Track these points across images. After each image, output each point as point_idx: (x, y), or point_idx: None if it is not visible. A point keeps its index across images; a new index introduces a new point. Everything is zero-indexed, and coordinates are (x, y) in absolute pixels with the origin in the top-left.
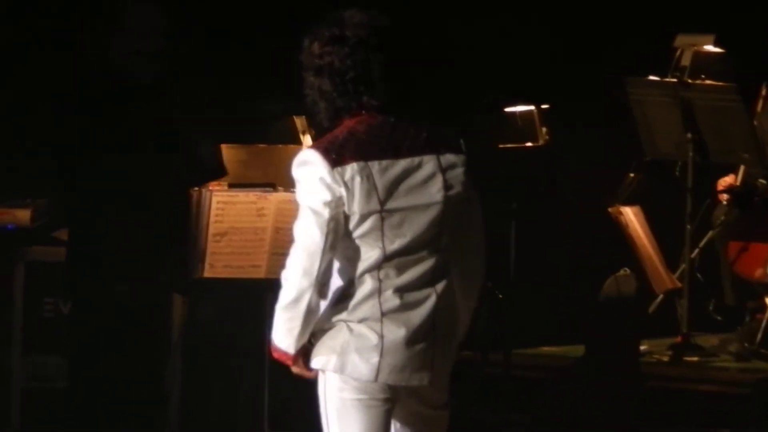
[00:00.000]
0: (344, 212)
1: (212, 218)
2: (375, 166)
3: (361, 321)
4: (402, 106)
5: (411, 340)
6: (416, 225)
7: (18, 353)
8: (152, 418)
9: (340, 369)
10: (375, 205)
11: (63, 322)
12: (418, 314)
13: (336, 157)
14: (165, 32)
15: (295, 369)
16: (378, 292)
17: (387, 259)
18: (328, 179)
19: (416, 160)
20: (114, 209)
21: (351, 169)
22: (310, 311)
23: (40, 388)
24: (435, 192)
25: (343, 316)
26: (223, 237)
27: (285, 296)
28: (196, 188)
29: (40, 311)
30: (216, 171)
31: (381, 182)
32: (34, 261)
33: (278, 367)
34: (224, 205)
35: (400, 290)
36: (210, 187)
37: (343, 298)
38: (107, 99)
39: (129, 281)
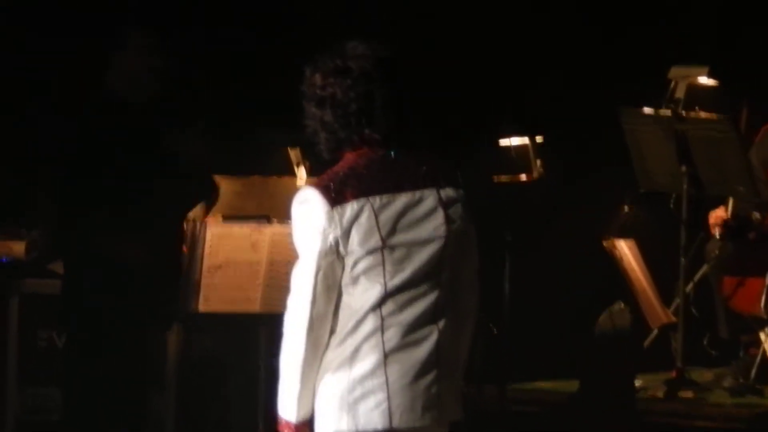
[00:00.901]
0: (339, 256)
1: (207, 251)
2: (376, 201)
3: (363, 362)
4: (401, 139)
5: (416, 378)
6: (417, 260)
7: (13, 385)
8: None
9: (354, 425)
10: (377, 241)
11: (58, 354)
12: (422, 351)
13: (335, 196)
14: (162, 52)
15: None
16: (380, 330)
17: (389, 295)
18: (324, 223)
19: (417, 194)
20: (109, 239)
21: (351, 207)
22: (307, 364)
23: (35, 420)
24: (437, 227)
25: (344, 359)
26: (218, 270)
27: (284, 354)
28: (191, 220)
29: (35, 343)
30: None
31: (382, 218)
32: (29, 293)
33: (273, 400)
34: (219, 239)
35: (403, 327)
36: (204, 220)
37: (342, 341)
38: (106, 122)
39: (124, 313)
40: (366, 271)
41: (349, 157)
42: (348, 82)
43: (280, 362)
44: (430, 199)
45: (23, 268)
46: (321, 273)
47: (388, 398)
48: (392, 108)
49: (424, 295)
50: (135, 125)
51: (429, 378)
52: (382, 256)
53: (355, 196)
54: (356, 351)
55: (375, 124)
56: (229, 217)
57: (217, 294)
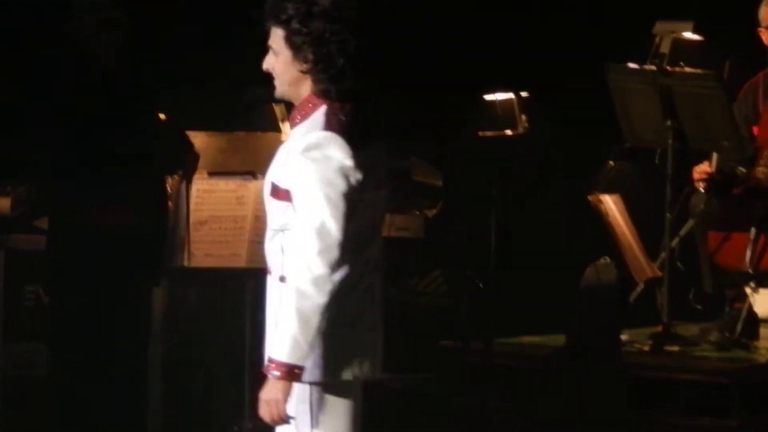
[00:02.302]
0: (355, 201)
1: (192, 207)
2: (373, 152)
3: (367, 314)
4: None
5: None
6: (381, 213)
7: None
8: (133, 405)
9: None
10: (376, 190)
11: (44, 311)
12: (379, 299)
13: (351, 142)
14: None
15: (282, 396)
16: (373, 274)
17: (376, 245)
18: (348, 165)
19: (375, 154)
20: (94, 197)
21: (362, 154)
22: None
23: (21, 375)
24: (385, 183)
25: (354, 312)
26: (204, 225)
27: (306, 299)
28: (175, 176)
29: (21, 299)
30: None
31: (376, 168)
32: (15, 249)
33: (259, 354)
34: (204, 194)
35: (378, 277)
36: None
37: (354, 289)
38: (80, 82)
39: (109, 271)
40: (368, 220)
41: (336, 107)
42: (354, 28)
43: (292, 304)
44: (381, 154)
45: (8, 224)
46: (346, 215)
47: (377, 349)
48: (366, 64)
49: (379, 246)
50: (112, 86)
51: (382, 329)
52: (377, 204)
53: (360, 147)
54: (364, 304)
55: (357, 77)
56: (214, 173)
57: (202, 249)
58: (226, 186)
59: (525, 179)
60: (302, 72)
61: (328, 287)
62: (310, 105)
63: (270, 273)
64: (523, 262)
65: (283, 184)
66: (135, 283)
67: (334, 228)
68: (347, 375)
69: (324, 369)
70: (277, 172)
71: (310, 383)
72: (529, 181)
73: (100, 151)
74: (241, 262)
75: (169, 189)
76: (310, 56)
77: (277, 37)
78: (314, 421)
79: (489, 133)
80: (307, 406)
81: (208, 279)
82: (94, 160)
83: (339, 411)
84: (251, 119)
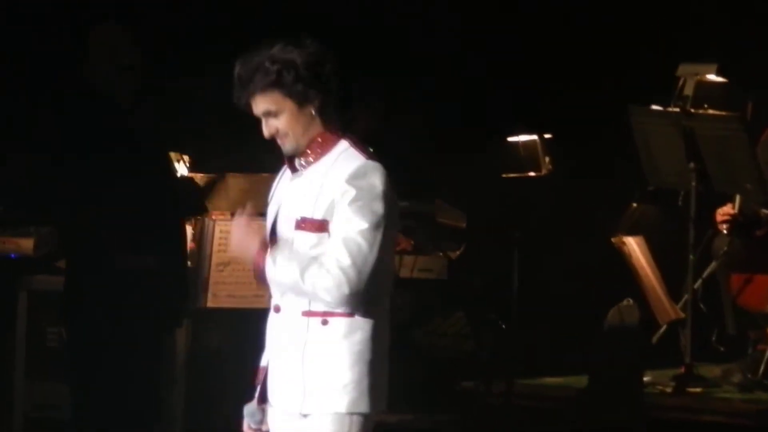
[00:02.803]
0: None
1: (215, 248)
2: None
3: (380, 340)
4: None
5: None
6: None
7: (21, 381)
8: None
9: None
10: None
11: (66, 351)
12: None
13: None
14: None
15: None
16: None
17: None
18: (390, 195)
19: None
20: (113, 239)
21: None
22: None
23: (43, 416)
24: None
25: (378, 336)
26: (226, 266)
27: (318, 283)
28: (198, 217)
29: (44, 340)
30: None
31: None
32: (37, 290)
33: None
34: (227, 235)
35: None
36: (213, 217)
37: (371, 318)
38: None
39: (128, 314)
40: (391, 252)
41: (354, 141)
42: (332, 71)
43: (309, 274)
44: None
45: (32, 265)
46: (382, 246)
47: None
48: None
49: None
50: (129, 128)
51: None
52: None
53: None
54: (382, 334)
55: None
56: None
57: (225, 290)
58: None
59: (548, 221)
60: (314, 113)
61: (334, 304)
62: (321, 141)
63: (278, 311)
64: (546, 303)
65: (318, 215)
66: (154, 326)
67: (371, 258)
68: (382, 405)
69: (371, 400)
70: (307, 205)
71: (356, 414)
72: (552, 223)
73: (118, 193)
74: (263, 303)
75: (191, 230)
76: (317, 94)
77: (270, 100)
78: None
79: (512, 175)
80: None
81: (231, 320)
82: (112, 201)
83: None
84: (274, 161)
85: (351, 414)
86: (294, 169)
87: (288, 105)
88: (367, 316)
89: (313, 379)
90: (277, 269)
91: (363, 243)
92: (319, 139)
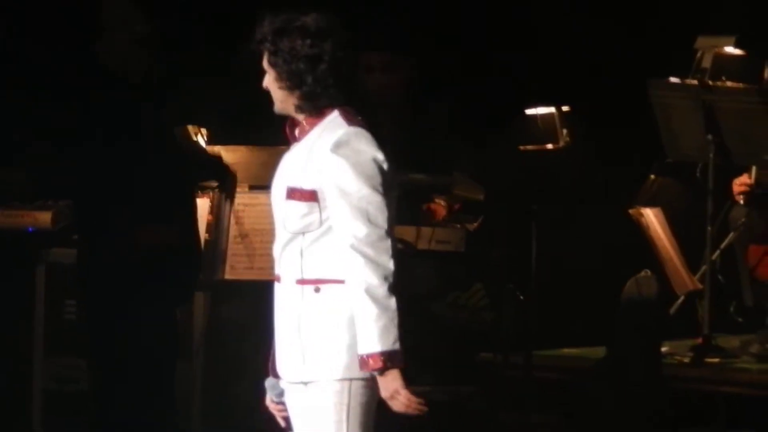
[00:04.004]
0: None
1: (233, 220)
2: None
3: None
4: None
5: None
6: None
7: (40, 355)
8: (172, 418)
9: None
10: (394, 188)
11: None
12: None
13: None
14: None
15: (402, 392)
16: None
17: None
18: (380, 157)
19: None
20: (121, 208)
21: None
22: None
23: (61, 390)
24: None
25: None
26: (244, 239)
27: (377, 288)
28: (216, 190)
29: (62, 313)
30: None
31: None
32: (56, 263)
33: None
34: (245, 207)
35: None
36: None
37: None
38: (109, 97)
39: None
40: (391, 218)
41: (347, 110)
42: (334, 42)
43: (365, 298)
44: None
45: (50, 238)
46: (386, 205)
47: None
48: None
49: None
50: (140, 101)
51: None
52: (393, 205)
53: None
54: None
55: (354, 83)
56: (255, 187)
57: (242, 262)
58: (266, 200)
59: (566, 193)
60: (282, 90)
61: (391, 270)
62: (310, 117)
63: (279, 280)
64: (564, 275)
65: (307, 185)
66: (167, 299)
67: (380, 218)
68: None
69: (354, 366)
70: (296, 175)
71: (355, 379)
72: (570, 195)
73: (127, 168)
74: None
75: (208, 202)
76: (279, 74)
77: (264, 60)
78: (348, 416)
79: (530, 147)
80: (344, 404)
81: (249, 292)
82: (121, 176)
83: (370, 408)
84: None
85: (350, 379)
86: (293, 138)
87: (269, 68)
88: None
89: (310, 347)
90: (372, 334)
91: (370, 207)
92: (300, 118)
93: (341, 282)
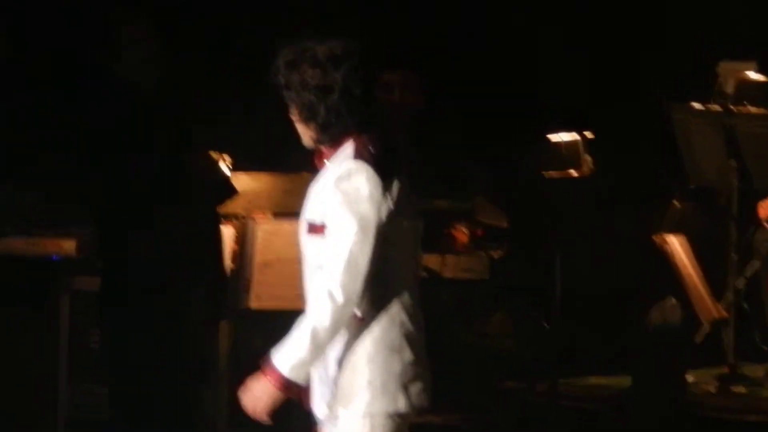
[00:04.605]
0: (386, 231)
1: (257, 248)
2: (404, 181)
3: (411, 344)
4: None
5: (426, 360)
6: (417, 242)
7: (64, 382)
8: None
9: (410, 405)
10: (412, 219)
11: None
12: (422, 333)
13: (382, 171)
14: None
15: (266, 400)
16: (415, 310)
17: (414, 275)
18: (378, 195)
19: (406, 179)
20: (144, 234)
21: (395, 184)
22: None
23: (85, 418)
24: (417, 211)
25: (397, 341)
26: (269, 267)
27: (322, 324)
28: (241, 218)
29: (86, 341)
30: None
31: (405, 199)
32: (80, 291)
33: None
34: (270, 236)
35: (419, 307)
36: (255, 217)
37: (392, 322)
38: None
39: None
40: (406, 249)
41: (362, 139)
42: (347, 69)
43: (309, 326)
44: (408, 184)
45: (74, 266)
46: (375, 246)
47: (429, 381)
48: (373, 95)
49: (418, 276)
50: (151, 119)
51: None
52: (414, 235)
53: (393, 173)
54: (406, 333)
55: (371, 108)
56: (279, 214)
57: (268, 291)
58: (291, 227)
59: (590, 219)
60: (299, 122)
61: (344, 320)
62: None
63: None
64: (589, 302)
65: (319, 220)
66: (191, 327)
67: (362, 260)
68: (401, 405)
69: (389, 399)
70: (313, 209)
71: (377, 415)
72: (593, 222)
73: (143, 185)
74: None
75: (233, 231)
76: (297, 107)
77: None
78: None
79: (554, 174)
80: None
81: (273, 321)
82: (138, 194)
83: None
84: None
85: (372, 415)
86: (320, 168)
87: (290, 107)
88: (375, 317)
89: (334, 382)
90: (290, 358)
91: (354, 248)
92: (325, 147)
93: (359, 319)
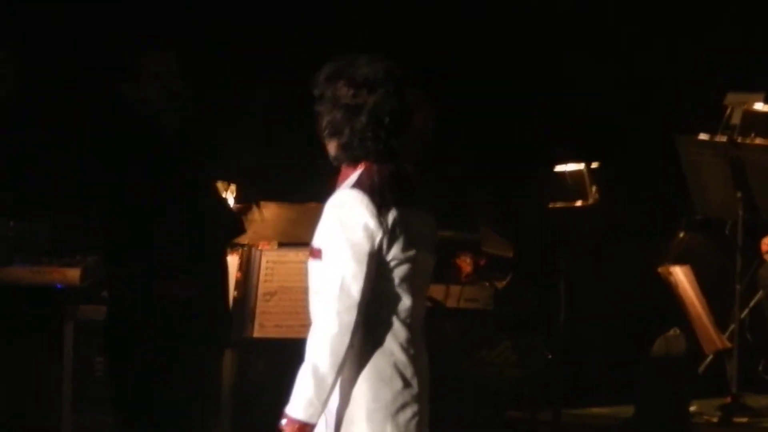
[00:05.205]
0: (380, 261)
1: (262, 278)
2: (408, 213)
3: (403, 373)
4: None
5: (425, 390)
6: (424, 275)
7: (68, 410)
8: None
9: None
10: (412, 251)
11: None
12: (423, 363)
13: (380, 200)
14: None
15: None
16: (411, 341)
17: (412, 307)
18: (372, 225)
19: (422, 213)
20: (151, 267)
21: (392, 214)
22: (341, 368)
23: None
24: (431, 246)
25: (387, 370)
26: (273, 296)
27: (320, 358)
28: (245, 247)
29: (91, 370)
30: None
31: (412, 231)
32: (84, 320)
33: None
34: (274, 265)
35: (418, 339)
36: (259, 246)
37: (383, 352)
38: (141, 149)
39: (171, 338)
40: (401, 281)
41: (372, 167)
42: (381, 94)
43: (308, 363)
44: (428, 219)
45: (78, 295)
46: (369, 275)
47: (419, 410)
48: (406, 124)
49: (420, 309)
50: (170, 157)
51: (427, 391)
52: (413, 266)
53: (394, 204)
54: (396, 362)
55: (397, 138)
56: (284, 244)
57: (271, 320)
58: (296, 257)
59: (595, 250)
60: (324, 137)
61: (343, 348)
62: (347, 168)
63: None
64: (593, 332)
65: (316, 244)
66: (197, 356)
67: (355, 288)
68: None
69: (369, 429)
70: (315, 233)
71: None
72: (598, 252)
73: (156, 220)
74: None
75: (237, 260)
76: (325, 121)
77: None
78: None
79: (559, 204)
80: None
81: (277, 350)
82: (148, 229)
83: None
84: (323, 190)
85: None
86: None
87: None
88: (365, 346)
89: (330, 412)
90: (299, 401)
91: (346, 275)
92: (344, 166)
93: (351, 346)
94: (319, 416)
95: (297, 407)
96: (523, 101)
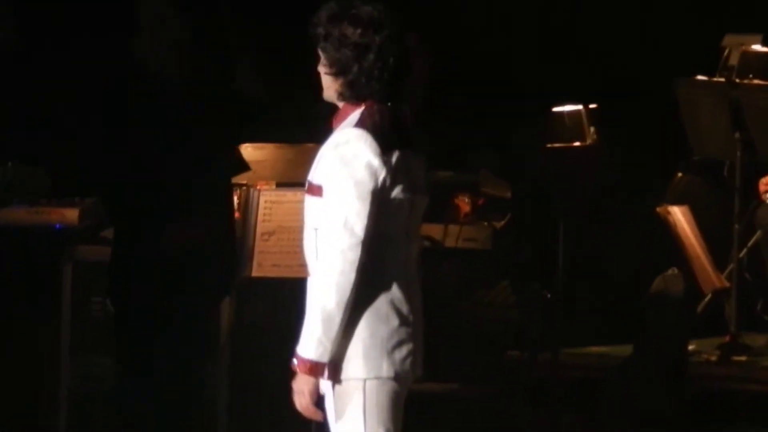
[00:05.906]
0: (382, 200)
1: (260, 217)
2: (408, 155)
3: (399, 311)
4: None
5: (418, 329)
6: (417, 216)
7: (66, 352)
8: (199, 419)
9: (394, 371)
10: (411, 192)
11: (111, 322)
12: (417, 303)
13: (383, 141)
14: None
15: (306, 390)
16: (407, 281)
17: (409, 247)
18: (376, 163)
19: (418, 156)
20: (156, 209)
21: (395, 154)
22: (351, 305)
23: (87, 388)
24: (424, 188)
25: (385, 308)
26: (271, 236)
27: (327, 297)
28: (243, 187)
29: (88, 311)
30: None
31: (411, 173)
32: (82, 260)
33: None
34: (272, 204)
35: (412, 280)
36: (258, 186)
37: (381, 289)
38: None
39: (176, 284)
40: (400, 221)
41: (373, 107)
42: (386, 35)
43: (316, 302)
44: (422, 162)
45: (76, 235)
46: (372, 214)
47: (414, 348)
48: (407, 68)
49: (413, 249)
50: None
51: (421, 330)
52: (411, 208)
53: (396, 145)
54: (393, 300)
55: (400, 79)
56: (282, 184)
57: (270, 260)
58: (294, 197)
59: (593, 190)
60: (328, 75)
61: (349, 285)
62: (342, 107)
63: (309, 276)
64: (591, 273)
65: (316, 180)
66: (203, 297)
67: (358, 226)
68: (385, 371)
69: (366, 366)
70: (314, 170)
71: (364, 379)
72: (597, 192)
73: (157, 162)
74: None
75: (236, 200)
76: (327, 60)
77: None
78: (365, 416)
79: (557, 145)
80: (360, 404)
81: (275, 289)
82: (152, 170)
83: (390, 407)
84: (321, 133)
85: (364, 379)
86: (332, 128)
87: (322, 59)
88: (364, 286)
89: None
90: (308, 341)
91: (350, 214)
92: (348, 105)
93: None
94: (329, 355)
95: (307, 347)
96: (521, 42)
